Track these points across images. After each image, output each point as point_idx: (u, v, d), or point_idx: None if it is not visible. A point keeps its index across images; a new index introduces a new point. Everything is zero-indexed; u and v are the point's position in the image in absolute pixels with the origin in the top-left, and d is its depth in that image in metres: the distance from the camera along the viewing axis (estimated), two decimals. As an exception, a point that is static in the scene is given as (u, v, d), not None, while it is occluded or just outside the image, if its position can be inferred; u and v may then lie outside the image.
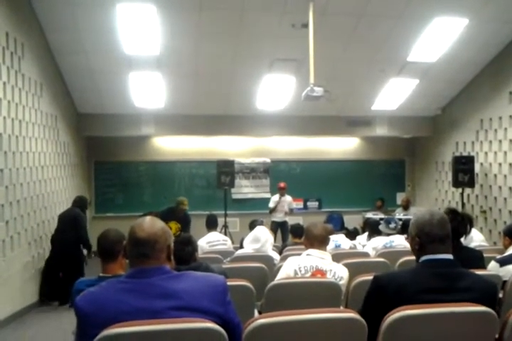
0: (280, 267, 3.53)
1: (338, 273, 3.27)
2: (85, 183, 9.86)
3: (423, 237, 2.13)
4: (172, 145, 10.49)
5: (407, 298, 1.98)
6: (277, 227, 9.08)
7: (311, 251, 3.38)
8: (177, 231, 7.87)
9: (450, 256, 2.11)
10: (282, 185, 9.36)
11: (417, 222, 2.18)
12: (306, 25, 6.32)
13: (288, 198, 9.43)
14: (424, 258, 2.13)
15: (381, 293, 2.08)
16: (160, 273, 1.85)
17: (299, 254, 3.49)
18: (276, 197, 9.39)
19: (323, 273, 3.24)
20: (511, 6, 6.69)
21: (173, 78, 8.07)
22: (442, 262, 2.09)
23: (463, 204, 8.71)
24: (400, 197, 11.00)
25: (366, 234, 6.26)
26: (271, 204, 9.33)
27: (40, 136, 6.74)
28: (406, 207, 10.24)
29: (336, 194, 10.86)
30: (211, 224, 6.48)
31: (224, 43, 7.24)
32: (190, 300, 1.81)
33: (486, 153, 8.51)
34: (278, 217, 9.29)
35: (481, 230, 7.58)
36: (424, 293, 2.00)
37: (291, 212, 9.47)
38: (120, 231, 2.89)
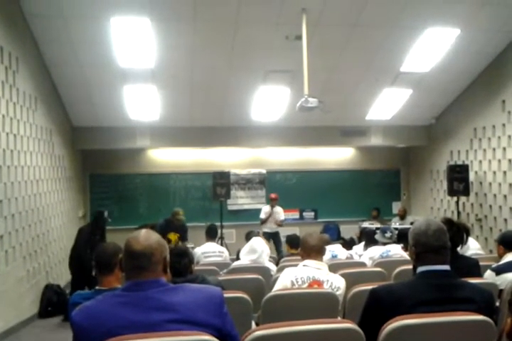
0: (277, 278, 3.52)
1: (335, 284, 3.26)
2: (81, 196, 9.84)
3: (419, 247, 2.13)
4: (167, 158, 10.49)
5: (405, 311, 1.97)
6: (269, 238, 9.05)
7: (307, 261, 3.37)
8: (177, 241, 7.88)
9: (447, 267, 2.11)
10: (274, 196, 9.36)
11: (414, 232, 2.18)
12: (299, 37, 6.37)
13: (278, 209, 9.42)
14: (421, 269, 2.12)
15: (379, 306, 2.07)
16: (156, 286, 1.84)
17: (296, 265, 3.48)
18: (267, 208, 9.38)
19: (320, 283, 3.23)
20: (502, 16, 6.78)
21: (167, 90, 8.09)
22: (439, 273, 2.09)
23: (458, 213, 8.73)
24: (396, 207, 11.02)
25: (363, 243, 6.26)
26: (262, 216, 9.31)
27: (35, 149, 6.73)
28: (402, 216, 10.28)
29: (331, 204, 10.85)
30: (211, 234, 6.49)
31: (218, 55, 7.28)
32: (186, 313, 1.80)
33: (480, 162, 8.55)
34: (269, 228, 9.27)
35: (476, 238, 7.59)
36: (421, 305, 2.00)
37: (280, 223, 9.43)
38: (117, 244, 2.89)
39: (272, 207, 9.34)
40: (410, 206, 11.25)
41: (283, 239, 8.54)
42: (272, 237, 9.12)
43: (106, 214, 7.15)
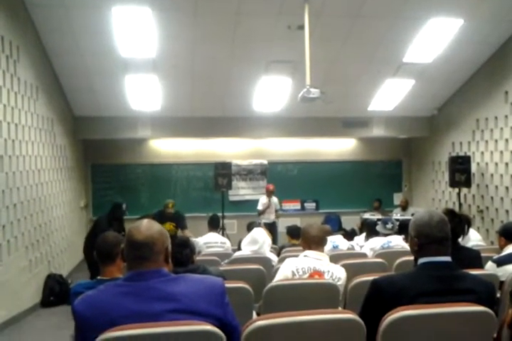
0: (278, 269, 3.53)
1: (336, 274, 3.27)
2: (82, 186, 9.86)
3: (422, 239, 2.12)
4: (169, 148, 10.49)
5: (406, 302, 1.98)
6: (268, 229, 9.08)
7: (308, 252, 3.38)
8: (173, 230, 7.90)
9: (448, 259, 2.11)
10: (271, 187, 9.39)
11: (416, 223, 2.17)
12: (301, 27, 6.33)
13: (275, 199, 9.47)
14: (422, 260, 2.12)
15: (380, 297, 2.07)
16: (158, 276, 1.85)
17: (297, 256, 3.49)
18: (264, 199, 9.38)
19: (320, 274, 3.24)
20: (506, 6, 6.72)
21: (169, 80, 8.06)
22: (441, 264, 2.09)
23: (460, 204, 8.73)
24: (397, 198, 11.02)
25: (364, 234, 6.27)
26: (260, 207, 9.32)
27: (36, 139, 6.72)
28: (404, 207, 10.29)
29: (333, 195, 10.86)
30: (213, 224, 6.50)
31: (220, 45, 7.25)
32: (188, 303, 1.81)
33: (482, 153, 8.53)
34: (267, 219, 9.30)
35: (478, 230, 7.59)
36: (423, 296, 2.00)
37: (276, 213, 9.51)
38: (118, 234, 2.91)
39: (269, 197, 9.36)
40: (412, 197, 11.25)
41: (284, 230, 8.57)
42: (270, 228, 9.14)
43: (124, 206, 7.14)
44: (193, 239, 5.80)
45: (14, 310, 5.67)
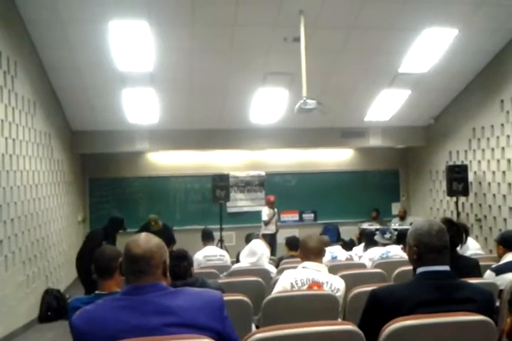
0: (277, 280, 3.52)
1: (335, 285, 3.26)
2: (80, 200, 9.84)
3: (421, 247, 2.11)
4: (167, 161, 10.50)
5: (405, 312, 1.97)
6: (270, 240, 9.08)
7: (306, 263, 3.37)
8: None
9: (447, 268, 2.10)
10: (272, 198, 9.48)
11: (416, 232, 2.16)
12: (297, 39, 6.37)
13: (275, 210, 9.57)
14: (421, 270, 2.12)
15: (379, 307, 2.06)
16: (156, 290, 1.84)
17: (296, 267, 3.47)
18: (266, 210, 9.44)
19: (319, 285, 3.23)
20: (500, 16, 6.78)
21: (166, 94, 8.10)
22: (440, 274, 2.08)
23: (458, 213, 8.72)
24: (395, 207, 11.03)
25: (362, 245, 6.26)
26: (265, 218, 9.36)
27: (34, 154, 6.72)
28: (402, 217, 10.29)
29: (331, 205, 10.87)
30: (206, 238, 6.45)
31: (217, 58, 7.29)
32: (186, 317, 1.79)
33: (479, 162, 8.55)
34: (270, 229, 9.31)
35: (476, 238, 7.59)
36: (422, 306, 1.99)
37: (276, 224, 9.60)
38: (116, 248, 2.90)
39: (271, 208, 9.40)
40: (410, 207, 11.25)
41: (282, 241, 8.56)
42: (270, 238, 9.14)
43: (125, 221, 6.92)
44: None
45: (11, 326, 5.62)
